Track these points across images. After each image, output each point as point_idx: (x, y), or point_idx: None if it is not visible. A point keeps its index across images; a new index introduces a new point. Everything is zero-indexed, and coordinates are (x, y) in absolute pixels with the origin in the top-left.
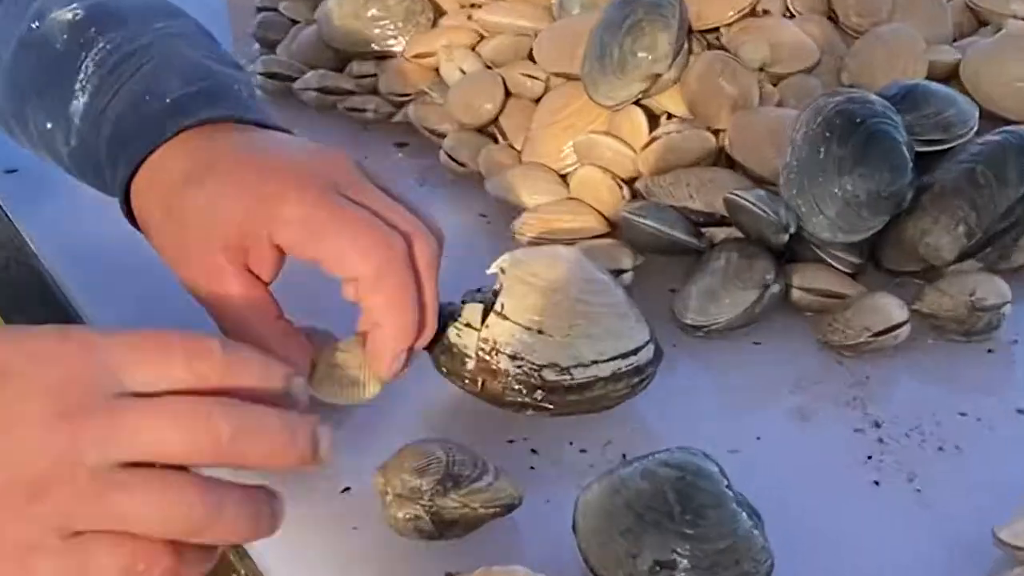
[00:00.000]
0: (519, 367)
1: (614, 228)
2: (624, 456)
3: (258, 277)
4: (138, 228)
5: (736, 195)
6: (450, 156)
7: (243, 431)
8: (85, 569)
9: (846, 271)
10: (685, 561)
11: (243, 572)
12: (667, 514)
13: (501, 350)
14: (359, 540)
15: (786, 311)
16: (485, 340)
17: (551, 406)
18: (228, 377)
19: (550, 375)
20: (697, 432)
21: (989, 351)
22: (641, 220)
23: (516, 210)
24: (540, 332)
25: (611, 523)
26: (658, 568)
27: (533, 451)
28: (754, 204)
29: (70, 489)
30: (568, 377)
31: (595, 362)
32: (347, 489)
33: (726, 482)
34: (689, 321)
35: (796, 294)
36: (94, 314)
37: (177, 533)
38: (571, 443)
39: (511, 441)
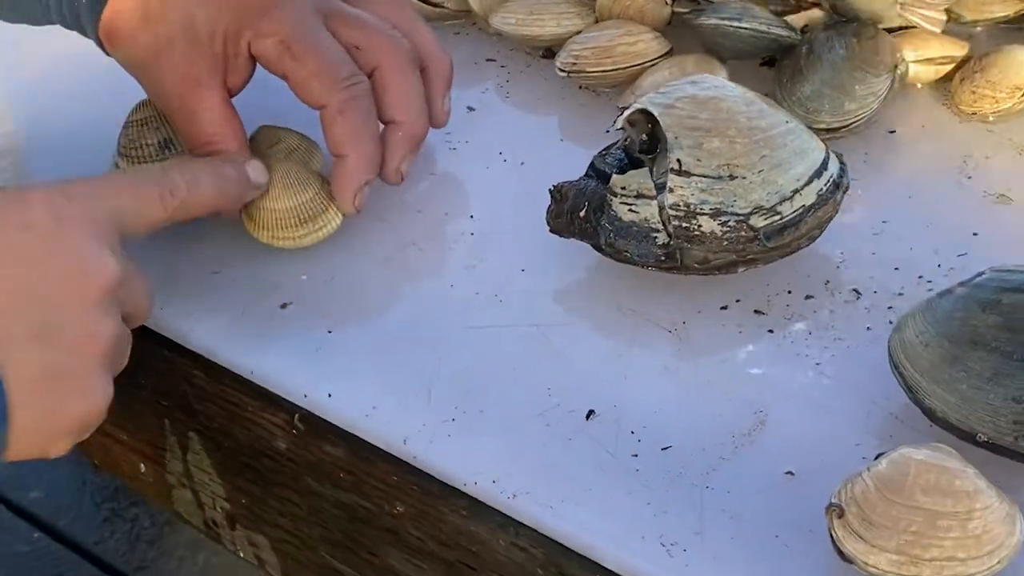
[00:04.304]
0: (724, 223)
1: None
2: (857, 292)
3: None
4: (103, 49)
5: None
6: None
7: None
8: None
9: (933, 29)
10: None
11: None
12: None
13: (700, 211)
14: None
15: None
16: (675, 206)
17: (762, 256)
18: (192, 204)
19: (759, 221)
20: (919, 247)
21: None
22: (736, 25)
23: (535, 47)
24: (732, 177)
25: (967, 370)
26: None
27: (757, 312)
28: None
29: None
30: (777, 217)
31: (796, 191)
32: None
33: None
34: (824, 125)
35: (914, 68)
36: None
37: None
38: (789, 291)
39: (724, 308)
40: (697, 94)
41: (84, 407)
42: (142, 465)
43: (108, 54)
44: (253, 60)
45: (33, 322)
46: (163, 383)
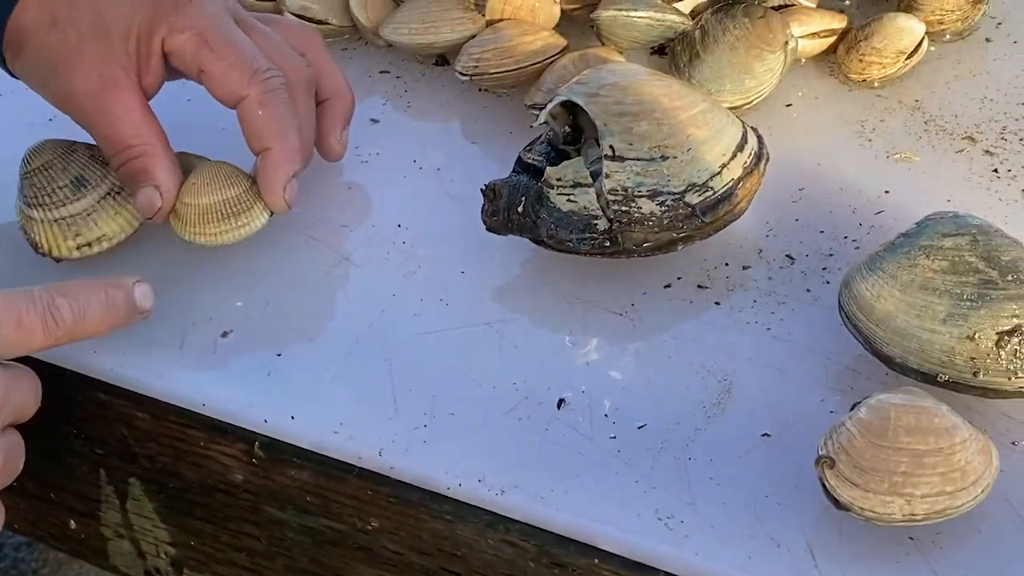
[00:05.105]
0: (662, 203)
1: None
2: (790, 258)
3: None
4: (5, 68)
5: None
6: (302, 16)
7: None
8: None
9: (809, 4)
10: None
11: None
12: (986, 282)
13: (638, 193)
14: None
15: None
16: (614, 191)
17: (698, 232)
18: (79, 332)
19: (693, 198)
20: (838, 210)
21: (988, 40)
22: (633, 15)
23: (429, 55)
24: (664, 158)
25: (921, 316)
26: (1005, 338)
27: (700, 286)
28: None
29: None
30: (710, 192)
31: (723, 166)
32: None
33: (996, 227)
34: (728, 103)
35: (802, 44)
36: None
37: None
38: (727, 264)
39: (668, 286)
40: (618, 81)
41: None
42: (72, 522)
43: (11, 72)
44: (165, 61)
45: None
46: (98, 429)
